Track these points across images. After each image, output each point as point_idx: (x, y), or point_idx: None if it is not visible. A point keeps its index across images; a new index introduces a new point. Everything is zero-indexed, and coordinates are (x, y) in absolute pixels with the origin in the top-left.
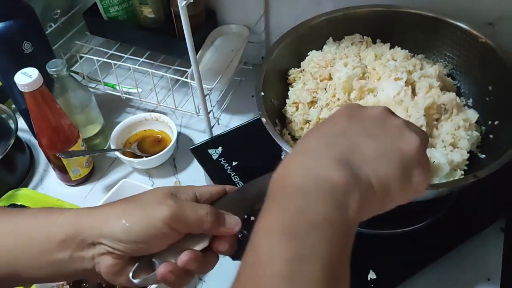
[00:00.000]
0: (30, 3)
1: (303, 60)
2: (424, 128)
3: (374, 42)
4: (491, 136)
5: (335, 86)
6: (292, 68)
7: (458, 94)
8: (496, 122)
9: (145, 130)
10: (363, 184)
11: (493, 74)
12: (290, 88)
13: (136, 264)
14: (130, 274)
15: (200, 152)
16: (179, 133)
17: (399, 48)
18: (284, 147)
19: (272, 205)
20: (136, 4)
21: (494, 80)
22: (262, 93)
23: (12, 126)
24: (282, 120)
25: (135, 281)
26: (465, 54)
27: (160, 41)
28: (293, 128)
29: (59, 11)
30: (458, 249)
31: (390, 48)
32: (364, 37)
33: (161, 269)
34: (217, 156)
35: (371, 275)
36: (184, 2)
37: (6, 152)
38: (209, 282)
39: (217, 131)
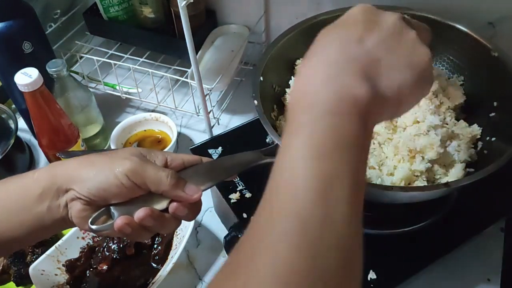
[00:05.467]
0: (30, 3)
1: None
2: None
3: None
4: (485, 151)
5: None
6: (301, 59)
7: (466, 106)
8: (493, 139)
9: (145, 130)
10: (381, 97)
11: (501, 90)
12: (292, 77)
13: (97, 212)
14: (89, 220)
15: (200, 152)
16: (179, 133)
17: None
18: (269, 130)
19: (298, 125)
20: (136, 4)
21: (501, 97)
22: (261, 78)
23: (12, 126)
24: (281, 108)
25: (93, 227)
26: (476, 66)
27: (160, 41)
28: None
29: (59, 11)
30: (458, 249)
31: None
32: None
33: (119, 221)
34: (217, 156)
35: (371, 275)
36: (184, 2)
37: (6, 152)
38: (209, 282)
39: (217, 131)
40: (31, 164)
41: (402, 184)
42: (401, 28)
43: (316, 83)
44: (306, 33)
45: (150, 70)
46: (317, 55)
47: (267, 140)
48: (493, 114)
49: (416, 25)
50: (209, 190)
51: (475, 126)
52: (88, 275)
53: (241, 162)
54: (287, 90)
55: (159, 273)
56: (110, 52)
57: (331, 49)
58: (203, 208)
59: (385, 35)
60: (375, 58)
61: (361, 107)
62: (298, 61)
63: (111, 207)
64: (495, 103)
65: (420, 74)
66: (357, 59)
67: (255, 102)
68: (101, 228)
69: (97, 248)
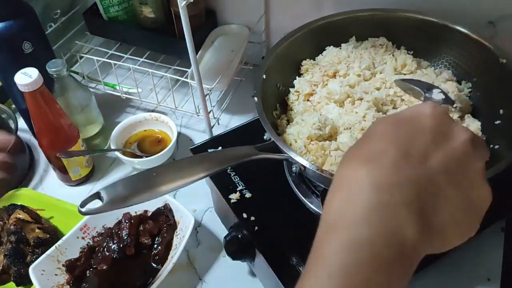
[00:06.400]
0: (30, 3)
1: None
2: None
3: (399, 48)
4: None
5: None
6: (307, 60)
7: (471, 113)
8: (496, 146)
9: (145, 130)
10: (431, 235)
11: (509, 97)
12: (297, 77)
13: (87, 197)
14: (79, 204)
15: (200, 152)
16: (179, 133)
17: (427, 62)
18: (266, 127)
19: (331, 266)
20: (136, 4)
21: (508, 104)
22: (264, 76)
23: (12, 126)
24: (284, 106)
25: (82, 210)
26: (484, 72)
27: (160, 41)
28: (291, 116)
29: (59, 11)
30: (458, 250)
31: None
32: (383, 39)
33: None
34: None
35: None
36: (184, 2)
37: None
38: (209, 282)
39: (217, 131)
40: (31, 164)
41: None
42: (471, 153)
43: (360, 207)
44: (314, 34)
45: (150, 70)
46: (369, 162)
47: (264, 137)
48: (498, 121)
49: (483, 148)
50: (209, 190)
51: (479, 134)
52: (88, 275)
53: (234, 156)
54: (291, 89)
55: (159, 273)
56: (110, 52)
57: (388, 159)
58: (203, 208)
59: (453, 157)
60: (435, 185)
61: (407, 250)
62: (304, 62)
63: (101, 191)
64: (501, 111)
65: (476, 218)
66: (417, 183)
67: (255, 99)
68: (90, 212)
69: (97, 248)
